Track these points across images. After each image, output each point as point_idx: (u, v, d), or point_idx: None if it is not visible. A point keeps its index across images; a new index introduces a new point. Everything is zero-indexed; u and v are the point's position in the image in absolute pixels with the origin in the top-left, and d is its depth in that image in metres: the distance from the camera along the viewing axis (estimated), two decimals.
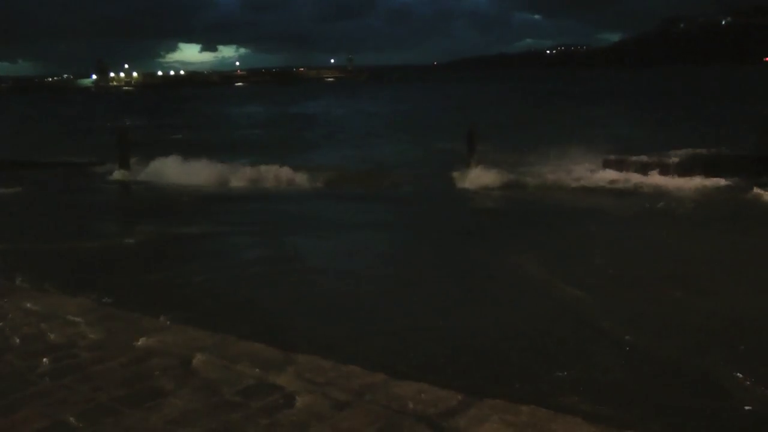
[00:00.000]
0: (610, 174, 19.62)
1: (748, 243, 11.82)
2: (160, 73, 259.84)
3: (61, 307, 5.63)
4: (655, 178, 18.40)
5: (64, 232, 14.28)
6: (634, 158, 20.69)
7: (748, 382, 6.16)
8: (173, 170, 22.39)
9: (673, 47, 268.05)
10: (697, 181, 17.69)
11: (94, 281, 9.88)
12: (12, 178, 22.45)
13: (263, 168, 21.92)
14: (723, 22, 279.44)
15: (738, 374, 6.33)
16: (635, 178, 18.74)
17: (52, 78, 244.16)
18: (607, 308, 8.51)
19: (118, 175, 23.21)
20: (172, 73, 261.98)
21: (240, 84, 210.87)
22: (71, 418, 3.73)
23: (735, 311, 8.29)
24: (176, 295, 9.38)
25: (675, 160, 20.01)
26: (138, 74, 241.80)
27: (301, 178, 20.91)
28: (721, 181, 17.38)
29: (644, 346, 7.19)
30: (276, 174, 21.34)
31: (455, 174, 19.93)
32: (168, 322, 5.18)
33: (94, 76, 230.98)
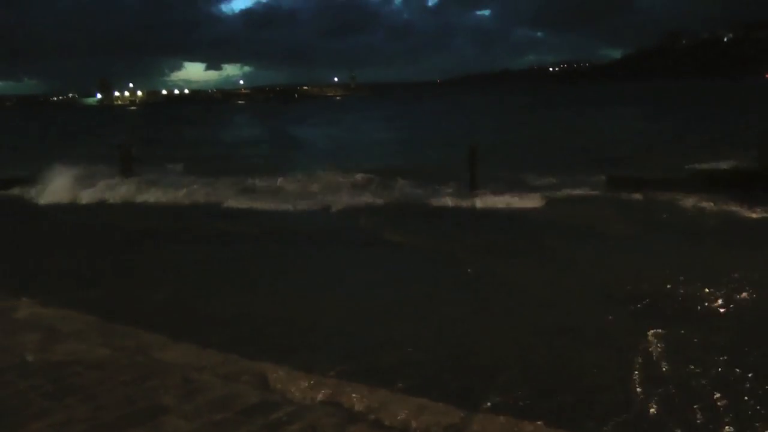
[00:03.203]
0: (614, 191, 19.53)
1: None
2: (164, 92, 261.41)
3: (66, 324, 5.65)
4: (659, 195, 18.24)
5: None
6: (637, 175, 20.67)
7: None
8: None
9: (675, 62, 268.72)
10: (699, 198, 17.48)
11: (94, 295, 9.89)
12: None
13: None
14: (725, 38, 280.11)
15: None
16: (640, 196, 18.57)
17: (57, 97, 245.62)
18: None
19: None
20: (176, 92, 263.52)
21: (241, 102, 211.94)
22: None
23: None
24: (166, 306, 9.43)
25: (679, 176, 19.96)
26: (142, 93, 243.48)
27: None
28: (726, 200, 17.17)
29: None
30: None
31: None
32: (171, 340, 5.18)
33: (99, 95, 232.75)
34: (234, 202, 20.53)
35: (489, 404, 5.97)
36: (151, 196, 21.85)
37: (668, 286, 9.97)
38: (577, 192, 20.02)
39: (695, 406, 6.12)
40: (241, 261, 13.28)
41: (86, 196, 22.29)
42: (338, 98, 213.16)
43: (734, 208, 16.16)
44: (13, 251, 14.74)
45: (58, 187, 23.05)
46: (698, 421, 5.89)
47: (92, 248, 14.91)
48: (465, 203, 19.00)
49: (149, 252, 14.45)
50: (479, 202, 19.05)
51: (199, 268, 12.63)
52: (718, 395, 6.36)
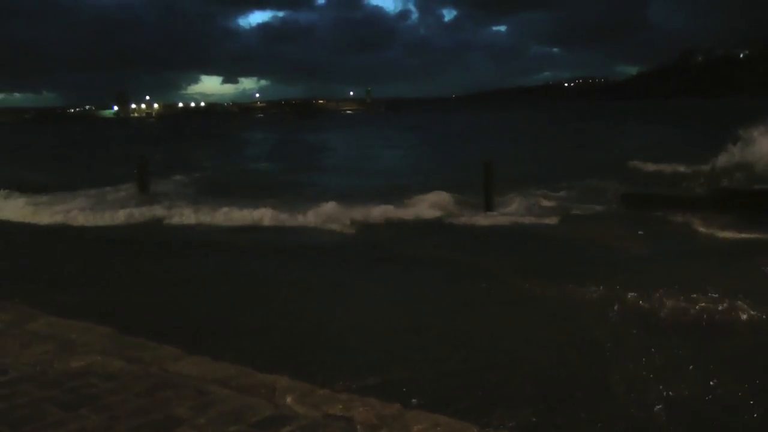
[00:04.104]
0: (629, 208, 19.37)
1: None
2: (180, 104, 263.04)
3: (81, 335, 5.67)
4: (672, 214, 18.01)
5: None
6: (652, 192, 20.50)
7: None
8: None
9: (691, 79, 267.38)
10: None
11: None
12: None
13: None
14: (741, 55, 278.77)
15: None
16: (653, 214, 18.35)
17: (74, 109, 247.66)
18: None
19: None
20: (192, 104, 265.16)
21: (261, 115, 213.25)
22: None
23: None
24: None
25: (695, 194, 19.79)
26: (158, 105, 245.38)
27: None
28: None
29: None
30: None
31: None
32: (185, 352, 5.19)
33: (116, 108, 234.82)
34: (247, 218, 20.22)
35: (503, 420, 5.95)
36: (167, 214, 21.38)
37: (677, 304, 9.93)
38: (592, 209, 19.98)
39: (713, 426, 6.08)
40: (255, 275, 13.33)
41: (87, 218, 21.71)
42: (350, 112, 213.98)
43: (742, 227, 16.05)
44: (28, 263, 14.87)
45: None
46: None
47: (107, 262, 15.02)
48: (479, 219, 19.00)
49: (162, 266, 14.52)
50: (493, 219, 19.04)
51: (212, 283, 12.68)
52: (737, 413, 6.31)
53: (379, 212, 19.67)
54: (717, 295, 10.15)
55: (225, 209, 20.90)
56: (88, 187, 26.64)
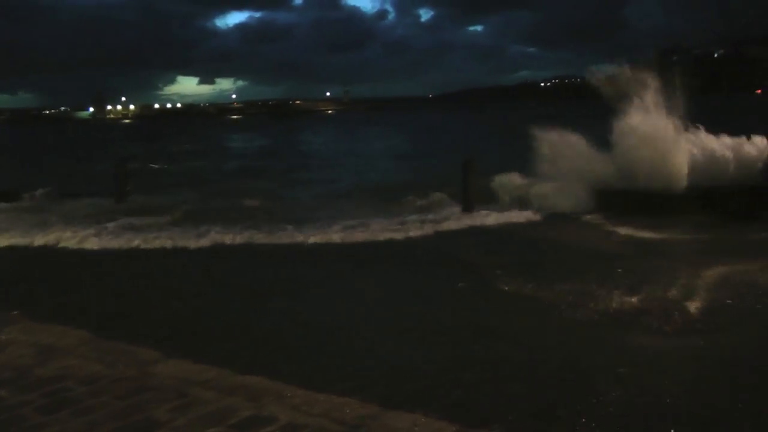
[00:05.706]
0: (603, 209, 19.27)
1: None
2: (157, 105, 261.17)
3: (59, 339, 5.65)
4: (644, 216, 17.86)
5: None
6: (628, 191, 20.34)
7: None
8: None
9: (668, 78, 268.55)
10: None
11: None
12: None
13: None
14: (716, 54, 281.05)
15: None
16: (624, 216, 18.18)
17: (50, 110, 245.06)
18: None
19: None
20: (169, 105, 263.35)
21: (236, 116, 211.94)
22: None
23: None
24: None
25: (673, 193, 19.71)
26: (135, 106, 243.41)
27: None
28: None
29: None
30: None
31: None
32: (164, 355, 5.19)
33: (92, 109, 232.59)
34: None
35: (482, 420, 5.99)
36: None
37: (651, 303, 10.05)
38: (567, 205, 19.96)
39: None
40: (243, 280, 13.27)
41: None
42: (331, 112, 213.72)
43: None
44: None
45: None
46: None
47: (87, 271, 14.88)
48: (456, 220, 19.00)
49: (147, 273, 14.40)
50: (472, 219, 19.05)
51: (195, 286, 12.64)
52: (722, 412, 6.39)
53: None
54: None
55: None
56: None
